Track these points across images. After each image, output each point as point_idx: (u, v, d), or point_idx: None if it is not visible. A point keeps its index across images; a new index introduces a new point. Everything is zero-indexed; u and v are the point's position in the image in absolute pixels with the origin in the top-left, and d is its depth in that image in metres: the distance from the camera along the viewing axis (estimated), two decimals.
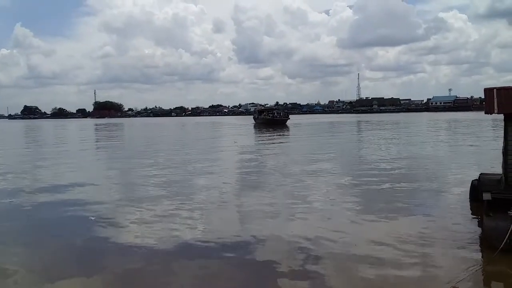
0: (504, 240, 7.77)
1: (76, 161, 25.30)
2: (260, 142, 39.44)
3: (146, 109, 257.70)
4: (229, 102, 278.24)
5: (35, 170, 21.19)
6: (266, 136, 46.84)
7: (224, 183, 15.97)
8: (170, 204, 12.43)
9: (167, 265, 7.84)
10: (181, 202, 12.57)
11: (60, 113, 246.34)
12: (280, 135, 47.28)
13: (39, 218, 11.72)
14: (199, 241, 9.08)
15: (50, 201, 13.50)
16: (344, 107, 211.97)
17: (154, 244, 8.96)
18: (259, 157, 25.08)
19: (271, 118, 75.48)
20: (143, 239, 9.27)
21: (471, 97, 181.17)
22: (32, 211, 12.32)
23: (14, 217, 11.78)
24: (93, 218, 11.36)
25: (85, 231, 10.07)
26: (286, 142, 38.51)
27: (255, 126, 72.80)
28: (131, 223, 10.68)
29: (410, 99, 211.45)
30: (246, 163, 21.52)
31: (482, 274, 7.33)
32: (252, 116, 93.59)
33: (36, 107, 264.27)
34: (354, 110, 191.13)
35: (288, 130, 58.48)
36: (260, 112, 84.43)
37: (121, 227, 10.40)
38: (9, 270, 7.81)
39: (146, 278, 7.30)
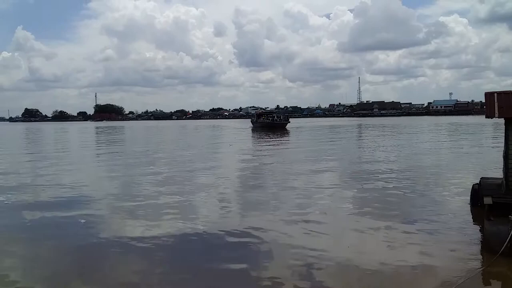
0: (505, 244, 7.79)
1: (76, 168, 24.98)
2: (259, 148, 38.49)
3: (147, 112, 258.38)
4: (230, 106, 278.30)
5: (29, 179, 20.50)
6: (265, 141, 46.17)
7: (221, 197, 14.62)
8: (168, 223, 11.36)
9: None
10: (182, 222, 11.36)
11: (61, 116, 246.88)
12: (279, 141, 46.20)
13: (33, 232, 10.88)
14: (197, 262, 8.48)
15: (46, 216, 12.38)
16: (344, 110, 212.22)
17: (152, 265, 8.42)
18: (257, 165, 23.69)
19: (271, 122, 73.65)
20: (141, 259, 8.69)
21: (472, 101, 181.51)
22: (22, 224, 11.59)
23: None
24: (83, 221, 11.32)
25: (80, 249, 9.35)
26: (285, 148, 37.73)
27: (253, 130, 70.42)
28: (128, 241, 9.78)
29: (410, 103, 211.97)
30: (244, 174, 20.29)
31: (482, 278, 7.33)
32: (250, 120, 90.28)
33: (37, 109, 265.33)
34: (354, 113, 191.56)
35: (288, 135, 56.55)
36: (259, 115, 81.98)
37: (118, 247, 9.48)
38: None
39: None
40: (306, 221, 11.04)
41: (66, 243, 9.79)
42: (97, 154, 34.12)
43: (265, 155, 29.61)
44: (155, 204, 13.51)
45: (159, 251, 9.13)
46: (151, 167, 22.74)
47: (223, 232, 10.20)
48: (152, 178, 18.69)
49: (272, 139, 46.77)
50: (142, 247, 9.32)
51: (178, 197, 14.65)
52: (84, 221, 11.43)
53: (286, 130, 66.39)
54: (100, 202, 14.07)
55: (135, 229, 10.75)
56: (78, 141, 52.95)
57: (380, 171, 19.52)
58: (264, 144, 41.45)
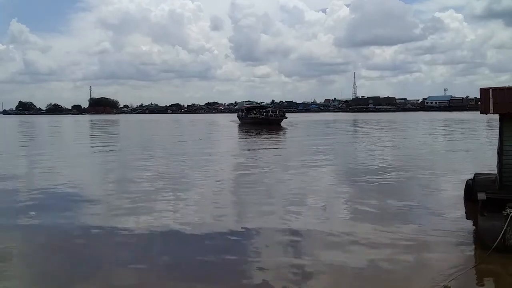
0: (498, 240, 7.81)
1: (68, 164, 24.51)
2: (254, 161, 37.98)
3: (141, 105, 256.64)
4: (225, 100, 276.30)
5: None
6: (258, 144, 43.84)
7: (218, 209, 12.44)
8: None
9: None
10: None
11: (55, 109, 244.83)
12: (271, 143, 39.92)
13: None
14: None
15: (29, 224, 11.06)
16: (340, 105, 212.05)
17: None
18: (248, 172, 19.06)
19: (265, 117, 62.67)
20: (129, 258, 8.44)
21: (467, 97, 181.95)
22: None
23: None
24: (33, 213, 11.22)
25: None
26: (282, 148, 34.72)
27: (240, 126, 61.76)
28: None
29: (405, 99, 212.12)
30: (235, 181, 17.54)
31: (475, 273, 7.35)
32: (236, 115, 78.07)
33: (31, 102, 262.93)
34: (350, 109, 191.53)
35: (283, 133, 48.67)
36: (249, 110, 71.58)
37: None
38: None
39: None
40: (299, 217, 11.05)
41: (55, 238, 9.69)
42: (91, 147, 33.93)
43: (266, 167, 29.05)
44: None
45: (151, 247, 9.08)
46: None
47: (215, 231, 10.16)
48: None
49: (266, 141, 45.99)
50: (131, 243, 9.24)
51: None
52: (35, 213, 11.30)
53: (281, 126, 57.97)
54: (90, 199, 13.76)
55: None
56: (72, 137, 52.52)
57: (374, 167, 19.50)
58: (262, 151, 40.91)
